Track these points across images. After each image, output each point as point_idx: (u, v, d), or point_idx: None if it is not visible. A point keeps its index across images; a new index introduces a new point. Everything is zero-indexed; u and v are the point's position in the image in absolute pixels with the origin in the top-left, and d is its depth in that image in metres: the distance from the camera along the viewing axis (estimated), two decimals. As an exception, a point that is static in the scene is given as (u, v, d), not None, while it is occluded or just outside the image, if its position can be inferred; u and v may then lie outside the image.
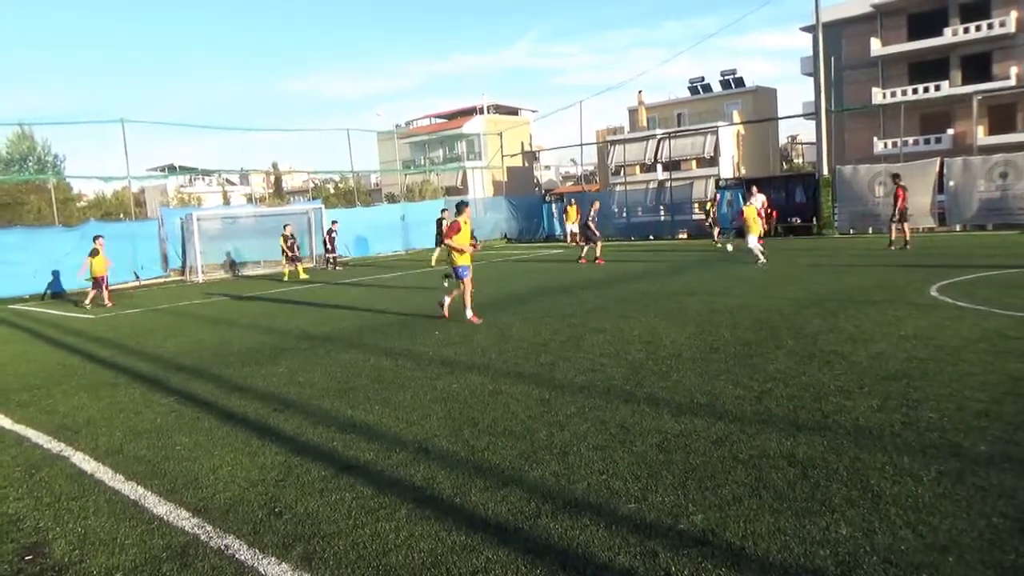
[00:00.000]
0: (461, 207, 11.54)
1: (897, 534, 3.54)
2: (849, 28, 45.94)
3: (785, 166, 65.87)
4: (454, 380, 7.34)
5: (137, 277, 23.58)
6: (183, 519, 4.35)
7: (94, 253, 17.44)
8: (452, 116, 68.77)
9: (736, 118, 53.49)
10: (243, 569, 3.68)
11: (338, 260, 26.03)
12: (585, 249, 20.66)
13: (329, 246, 25.69)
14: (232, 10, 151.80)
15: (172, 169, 59.48)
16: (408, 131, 67.45)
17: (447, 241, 11.39)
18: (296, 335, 11.03)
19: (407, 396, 6.84)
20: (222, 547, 3.93)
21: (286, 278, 22.11)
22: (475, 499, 4.33)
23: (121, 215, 39.96)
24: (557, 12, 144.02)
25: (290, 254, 22.75)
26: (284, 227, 23.29)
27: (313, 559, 3.72)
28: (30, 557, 4.01)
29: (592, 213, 20.64)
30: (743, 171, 51.39)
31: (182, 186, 74.66)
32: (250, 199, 66.60)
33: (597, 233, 20.49)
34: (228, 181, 78.63)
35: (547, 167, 76.98)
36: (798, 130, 76.77)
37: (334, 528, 4.06)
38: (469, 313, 11.05)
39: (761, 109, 55.52)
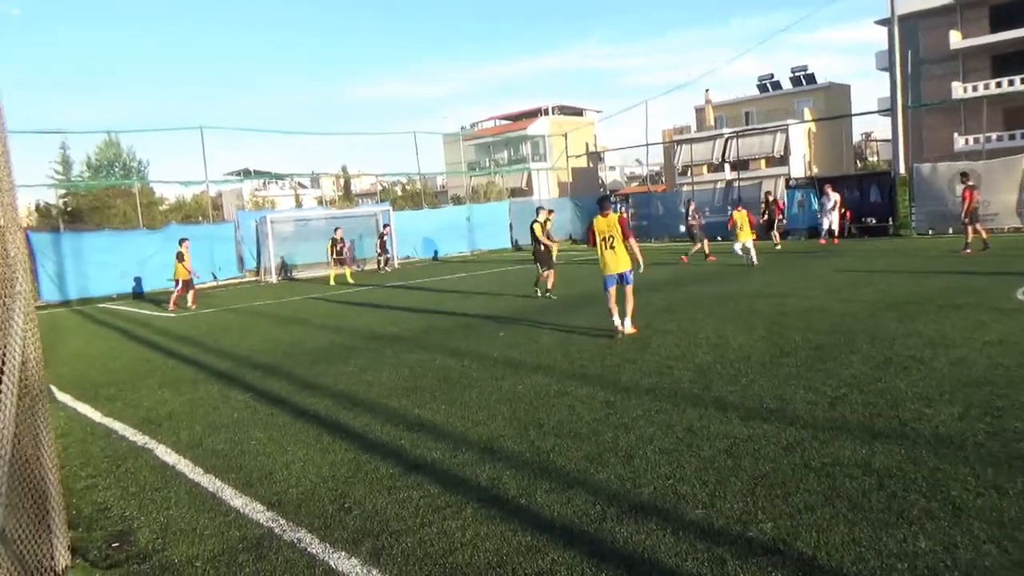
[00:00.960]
0: (605, 203, 9.63)
1: (980, 549, 3.39)
2: (927, 20, 44.04)
3: (859, 164, 63.72)
4: (519, 381, 7.37)
5: (215, 277, 24.48)
6: (258, 512, 4.50)
7: (180, 257, 18.09)
8: (517, 118, 69.00)
9: (807, 115, 51.97)
10: (314, 562, 3.79)
11: (387, 261, 26.46)
12: (696, 247, 20.96)
13: (381, 248, 26.23)
14: (301, 19, 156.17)
15: (247, 173, 61.41)
16: (473, 133, 67.96)
17: (632, 241, 9.39)
18: (364, 335, 11.26)
19: (473, 396, 6.90)
20: (295, 540, 4.06)
21: (332, 280, 22.30)
22: (540, 500, 4.35)
23: (200, 218, 41.48)
24: (622, 13, 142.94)
25: (337, 257, 23.04)
26: (335, 231, 23.60)
27: (381, 555, 3.81)
28: (117, 544, 4.22)
29: (691, 213, 21.47)
30: (815, 170, 49.93)
31: (257, 190, 77.05)
32: (320, 202, 68.34)
33: (699, 230, 21.21)
34: (300, 184, 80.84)
35: (612, 168, 76.41)
36: (873, 127, 73.98)
37: (402, 525, 4.14)
38: (628, 323, 9.45)
39: (833, 106, 53.82)
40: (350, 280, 22.35)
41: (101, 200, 39.51)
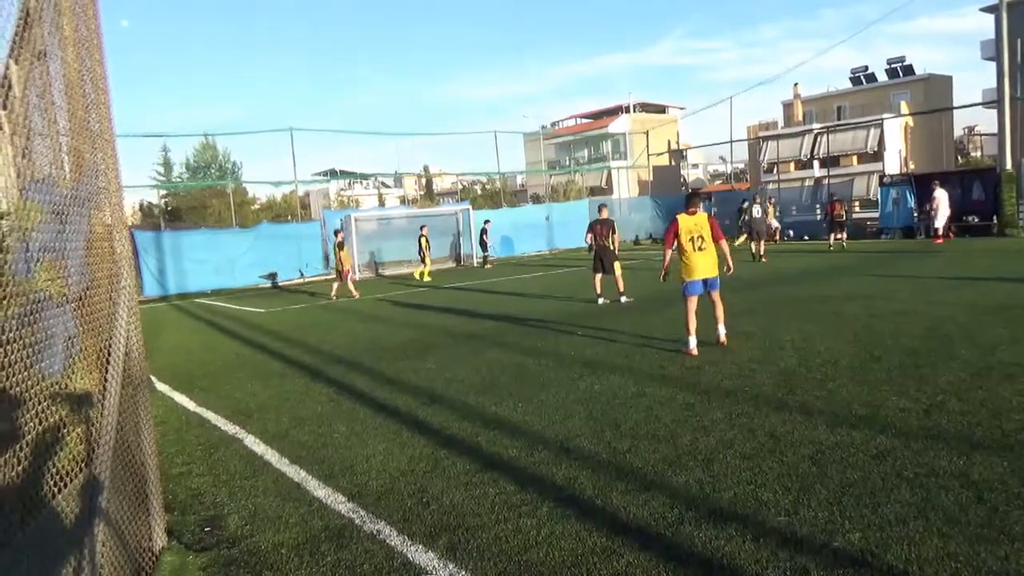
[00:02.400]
0: (693, 200, 8.98)
1: (1092, 571, 3.16)
2: (1039, 6, 41.25)
3: (961, 160, 60.37)
4: (596, 381, 7.33)
5: (302, 274, 25.31)
6: (340, 503, 4.64)
7: (341, 246, 18.58)
8: (597, 116, 68.53)
9: (904, 109, 49.58)
10: (393, 554, 3.87)
11: (487, 259, 26.66)
12: (762, 244, 20.67)
13: (484, 246, 26.38)
14: (386, 21, 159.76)
15: (333, 173, 63.28)
16: (553, 132, 67.88)
17: (723, 243, 8.83)
18: (444, 332, 11.42)
19: (549, 395, 6.91)
20: (374, 532, 4.16)
21: (423, 277, 22.51)
22: (616, 501, 4.31)
23: (289, 217, 42.95)
24: (705, 6, 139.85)
25: (421, 255, 23.28)
26: (421, 228, 23.87)
27: (457, 550, 3.86)
28: (209, 528, 4.43)
29: (752, 208, 21.14)
30: (911, 166, 47.60)
31: (342, 189, 79.16)
32: (403, 201, 69.73)
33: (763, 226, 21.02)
34: (383, 184, 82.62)
35: (695, 165, 74.96)
36: (977, 120, 69.80)
37: (478, 521, 4.18)
38: (722, 331, 8.70)
39: (933, 99, 51.14)
40: (423, 278, 22.63)
41: (198, 200, 41.52)
